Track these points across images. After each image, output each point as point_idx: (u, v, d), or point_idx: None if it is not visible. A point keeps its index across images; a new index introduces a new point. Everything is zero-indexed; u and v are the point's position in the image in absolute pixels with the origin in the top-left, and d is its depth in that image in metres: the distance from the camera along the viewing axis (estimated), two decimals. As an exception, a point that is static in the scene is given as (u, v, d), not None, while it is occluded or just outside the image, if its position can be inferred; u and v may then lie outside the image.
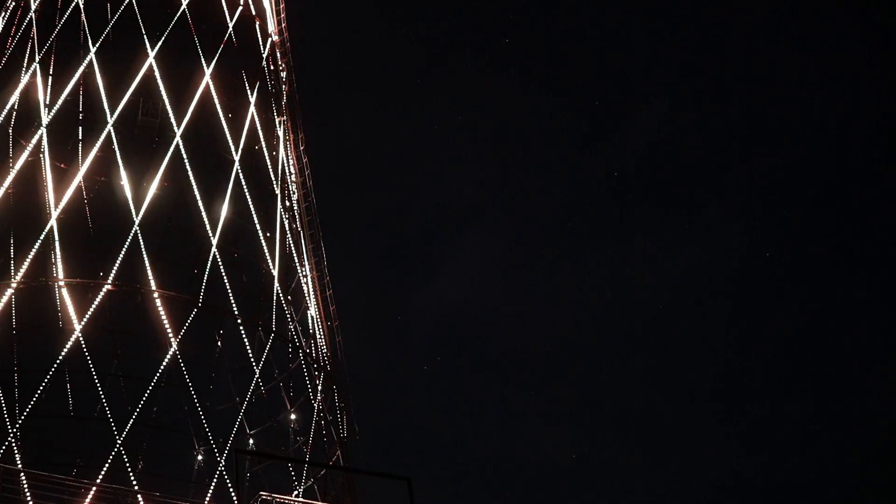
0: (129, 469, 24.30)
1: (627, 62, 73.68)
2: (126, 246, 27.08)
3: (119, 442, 24.47)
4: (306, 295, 31.60)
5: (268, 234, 30.83)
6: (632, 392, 65.17)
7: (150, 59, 31.12)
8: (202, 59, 32.31)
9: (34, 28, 32.68)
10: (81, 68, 30.89)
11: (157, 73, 30.93)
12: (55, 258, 26.93)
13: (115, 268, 26.76)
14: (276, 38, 37.39)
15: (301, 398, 30.01)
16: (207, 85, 31.55)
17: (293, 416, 30.26)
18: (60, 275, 26.70)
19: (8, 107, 30.68)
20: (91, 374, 25.70)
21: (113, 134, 29.37)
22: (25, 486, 22.00)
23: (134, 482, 24.16)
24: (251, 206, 30.55)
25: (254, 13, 36.12)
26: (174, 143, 29.79)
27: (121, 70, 31.49)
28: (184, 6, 33.04)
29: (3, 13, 34.75)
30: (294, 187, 34.43)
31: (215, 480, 24.95)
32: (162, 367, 26.28)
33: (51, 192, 28.11)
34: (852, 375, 62.30)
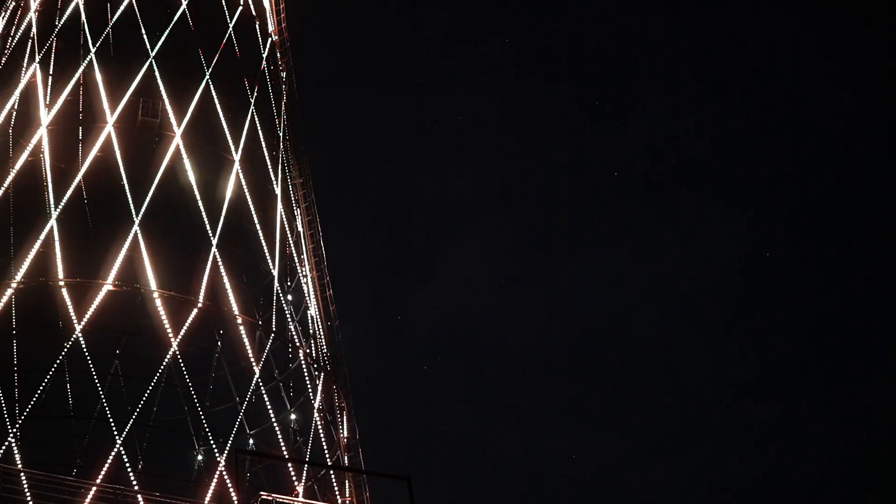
0: (129, 469, 24.31)
1: (628, 62, 73.69)
2: (126, 246, 27.10)
3: (119, 442, 24.47)
4: (306, 295, 31.60)
5: (268, 234, 30.84)
6: (632, 392, 65.16)
7: (150, 59, 31.13)
8: (202, 60, 32.32)
9: (34, 28, 32.68)
10: (81, 68, 30.90)
11: (157, 73, 30.92)
12: (55, 258, 26.94)
13: (115, 268, 26.76)
14: (275, 38, 37.38)
15: (301, 398, 30.02)
16: (208, 85, 31.54)
17: (293, 416, 30.26)
18: (60, 275, 26.70)
19: (8, 107, 30.67)
20: (91, 374, 25.69)
21: (113, 134, 29.37)
22: (25, 486, 22.00)
23: (134, 482, 24.16)
24: (251, 206, 30.55)
25: (254, 13, 36.11)
26: (174, 143, 29.80)
27: (121, 70, 31.50)
28: (184, 6, 33.03)
29: (3, 13, 34.76)
30: (294, 187, 34.43)
31: (215, 480, 24.95)
32: (162, 367, 26.30)
33: (51, 192, 28.11)
34: (855, 375, 62.31)
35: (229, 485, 24.69)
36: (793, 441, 61.34)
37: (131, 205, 28.03)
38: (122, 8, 32.27)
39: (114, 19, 32.19)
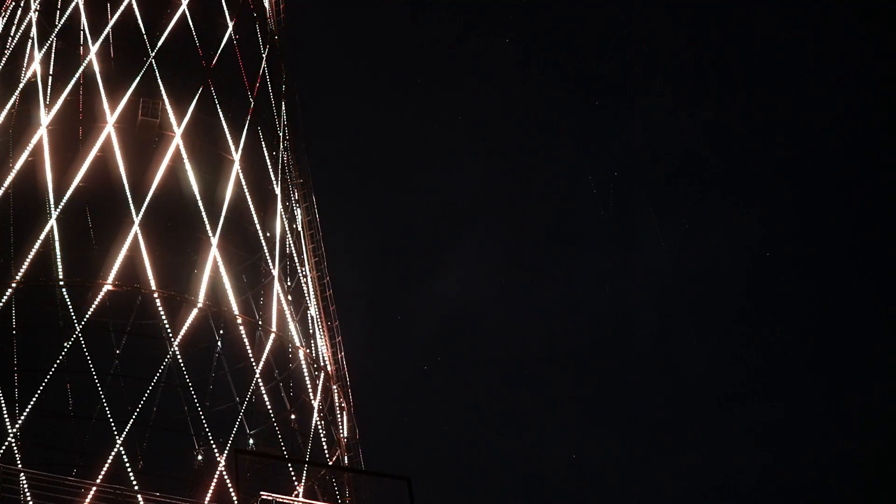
0: (129, 469, 24.31)
1: (630, 61, 73.67)
2: (126, 246, 27.10)
3: (119, 442, 24.47)
4: (306, 295, 31.61)
5: (268, 235, 30.84)
6: (632, 392, 65.16)
7: (150, 59, 31.13)
8: (203, 60, 32.33)
9: (34, 28, 32.68)
10: (81, 68, 30.89)
11: (157, 73, 30.92)
12: (55, 258, 26.93)
13: (115, 268, 26.77)
14: (276, 38, 37.37)
15: (301, 398, 30.02)
16: (208, 84, 31.54)
17: (293, 416, 30.26)
18: (60, 275, 26.70)
19: (8, 107, 30.67)
20: (91, 374, 25.69)
21: (113, 134, 29.37)
22: (25, 486, 22.00)
23: (134, 482, 24.17)
24: (251, 206, 30.56)
25: (254, 13, 36.10)
26: (174, 143, 29.80)
27: (121, 70, 31.50)
28: (183, 6, 33.03)
29: (4, 13, 34.75)
30: (294, 187, 34.43)
31: (215, 480, 24.95)
32: (162, 367, 26.30)
33: (51, 192, 28.10)
34: (856, 375, 62.31)
35: (229, 485, 24.69)
36: (793, 441, 61.35)
37: (131, 205, 28.03)
38: (122, 8, 32.26)
39: (114, 19, 32.18)
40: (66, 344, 25.58)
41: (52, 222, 27.36)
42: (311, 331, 30.89)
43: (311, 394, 29.10)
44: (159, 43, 31.57)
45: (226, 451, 25.50)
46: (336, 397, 29.91)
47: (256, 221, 30.48)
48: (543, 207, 72.88)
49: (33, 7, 33.31)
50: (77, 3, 32.45)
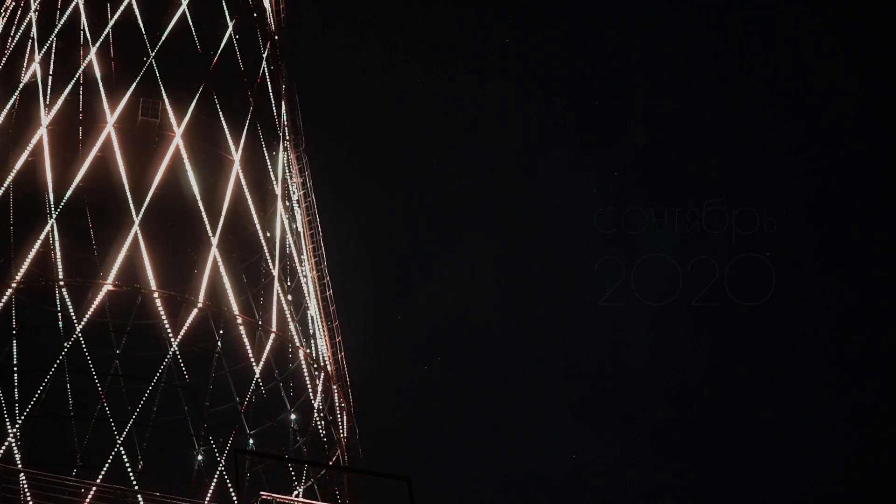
0: (129, 469, 24.32)
1: (627, 64, 73.69)
2: (126, 246, 27.10)
3: (119, 442, 24.48)
4: (306, 295, 31.61)
5: (268, 234, 30.85)
6: (632, 392, 65.14)
7: (150, 59, 31.12)
8: (203, 60, 32.35)
9: (34, 28, 32.68)
10: (81, 68, 30.89)
11: (157, 73, 30.92)
12: (55, 258, 26.94)
13: (115, 268, 26.77)
14: (276, 38, 37.37)
15: (301, 398, 30.03)
16: (208, 85, 31.53)
17: (293, 416, 30.27)
18: (60, 275, 26.71)
19: (8, 107, 30.67)
20: (91, 374, 25.70)
21: (113, 134, 29.37)
22: (25, 486, 22.01)
23: (134, 482, 24.17)
24: (251, 206, 30.56)
25: (254, 13, 36.10)
26: (174, 143, 29.80)
27: (121, 70, 31.51)
28: (184, 6, 33.03)
29: (3, 13, 34.75)
30: (294, 187, 34.44)
31: (215, 480, 24.96)
32: (162, 367, 26.30)
33: (51, 192, 28.11)
34: (856, 375, 62.31)
35: (229, 485, 24.70)
36: (793, 441, 61.36)
37: (131, 205, 28.02)
38: (122, 8, 32.26)
39: (114, 19, 32.18)
40: (66, 344, 25.59)
41: (52, 222, 27.36)
42: (311, 331, 30.90)
43: (311, 394, 29.11)
44: (159, 43, 31.56)
45: (226, 451, 25.48)
46: (336, 397, 29.92)
47: (256, 221, 30.48)
48: (543, 207, 72.86)
49: (33, 7, 33.30)
50: (77, 3, 32.44)
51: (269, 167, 32.62)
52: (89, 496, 22.25)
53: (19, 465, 23.30)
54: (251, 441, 30.03)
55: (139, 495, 23.48)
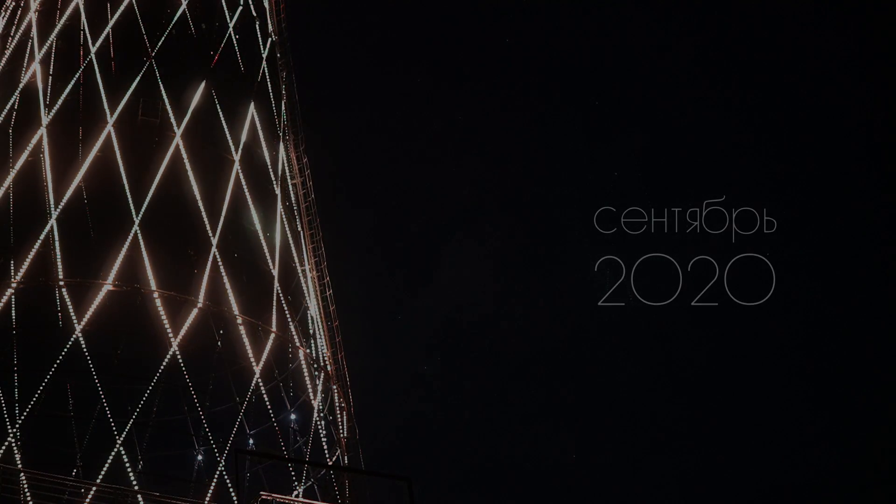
0: (129, 469, 24.31)
1: (629, 61, 73.64)
2: (126, 246, 27.09)
3: (119, 442, 24.47)
4: (306, 295, 31.61)
5: (268, 234, 30.83)
6: (632, 392, 65.12)
7: (150, 59, 31.12)
8: (202, 59, 32.35)
9: (34, 28, 32.67)
10: (81, 68, 30.88)
11: (157, 73, 30.91)
12: (55, 258, 26.92)
13: (115, 268, 26.76)
14: (275, 37, 37.37)
15: (301, 398, 30.03)
16: (208, 84, 31.53)
17: (293, 416, 30.27)
18: (60, 275, 26.69)
19: (8, 107, 30.66)
20: (91, 374, 25.69)
21: (113, 134, 29.36)
22: (25, 486, 22.00)
23: (134, 482, 24.17)
24: (251, 206, 30.55)
25: (254, 13, 36.10)
26: (174, 142, 29.79)
27: (121, 70, 31.50)
28: (183, 6, 33.02)
29: (3, 13, 34.75)
30: (294, 187, 34.44)
31: (215, 480, 24.95)
32: (162, 367, 26.28)
33: (51, 192, 28.09)
34: (856, 375, 62.30)
35: (229, 485, 24.69)
36: (793, 441, 61.33)
37: (131, 205, 28.02)
38: (122, 8, 32.26)
39: (114, 19, 32.17)
40: (66, 344, 25.56)
41: (52, 222, 27.35)
42: (311, 331, 30.89)
43: (311, 394, 29.10)
44: (159, 43, 31.55)
45: (226, 451, 25.48)
46: (336, 397, 29.91)
47: (256, 221, 30.47)
48: (544, 207, 72.84)
49: (33, 7, 33.30)
50: (77, 3, 32.44)
51: (269, 167, 32.62)
52: (89, 496, 22.26)
53: (19, 465, 23.29)
54: (251, 441, 30.04)
55: (139, 495, 23.48)
